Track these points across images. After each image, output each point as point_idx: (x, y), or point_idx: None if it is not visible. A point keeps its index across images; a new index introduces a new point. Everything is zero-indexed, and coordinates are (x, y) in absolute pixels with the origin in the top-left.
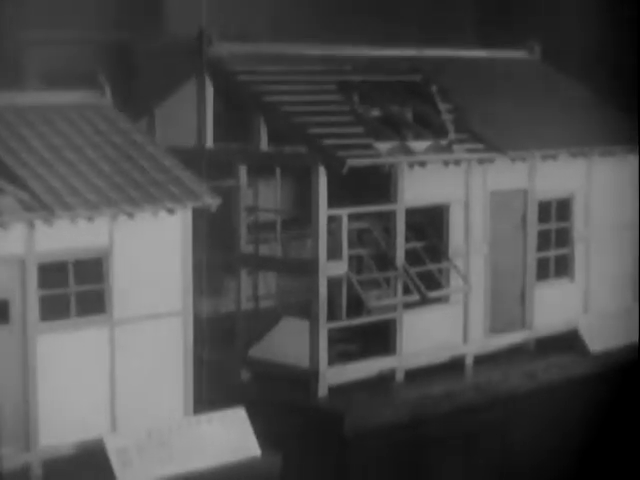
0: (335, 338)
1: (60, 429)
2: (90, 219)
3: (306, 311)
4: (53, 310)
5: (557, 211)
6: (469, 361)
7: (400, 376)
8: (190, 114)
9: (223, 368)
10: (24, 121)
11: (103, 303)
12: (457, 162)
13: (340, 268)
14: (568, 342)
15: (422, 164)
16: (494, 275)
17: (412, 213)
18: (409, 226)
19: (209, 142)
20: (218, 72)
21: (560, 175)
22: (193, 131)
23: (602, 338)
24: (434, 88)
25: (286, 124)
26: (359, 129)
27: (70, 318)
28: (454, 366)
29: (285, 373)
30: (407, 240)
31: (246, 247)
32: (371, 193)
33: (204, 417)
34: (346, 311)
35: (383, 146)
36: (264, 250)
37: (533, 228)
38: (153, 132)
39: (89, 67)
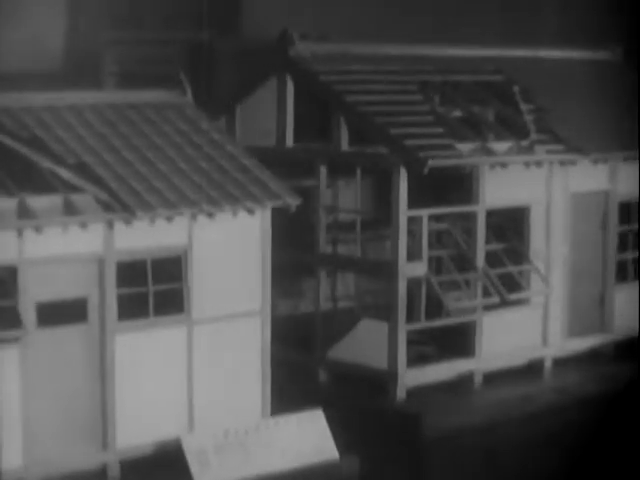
0: (413, 340)
1: (137, 429)
2: (169, 219)
3: (385, 312)
4: (131, 309)
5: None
6: (548, 364)
7: (479, 379)
8: (270, 114)
9: (301, 369)
10: (104, 120)
11: (181, 303)
12: (538, 163)
13: (420, 269)
14: None
15: (503, 165)
16: (573, 277)
17: (492, 214)
18: (489, 227)
19: (289, 142)
20: (299, 72)
21: None
22: (273, 131)
23: None
24: (516, 88)
25: (367, 124)
26: (440, 130)
27: (148, 317)
28: (533, 369)
29: (363, 375)
30: (487, 242)
31: (325, 247)
32: (451, 194)
33: (282, 418)
34: (425, 312)
35: (464, 147)
36: (343, 251)
37: (613, 230)
38: (233, 132)
39: (169, 67)
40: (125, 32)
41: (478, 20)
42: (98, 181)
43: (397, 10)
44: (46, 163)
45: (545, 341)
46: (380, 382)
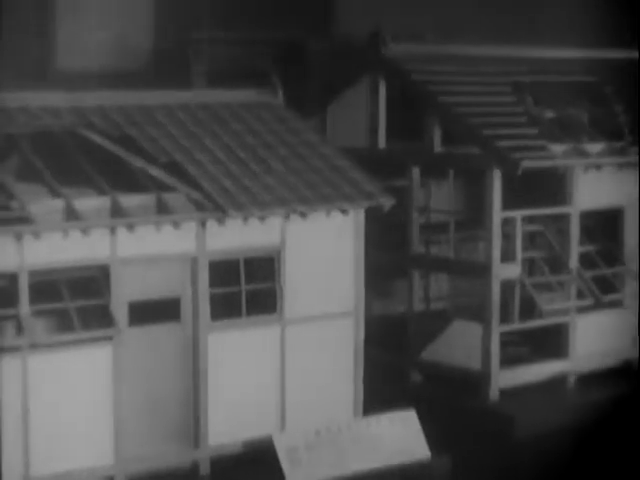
0: (506, 341)
1: (229, 427)
2: (262, 219)
3: (478, 314)
4: (223, 309)
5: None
6: None
7: (572, 380)
8: (362, 114)
9: (393, 370)
10: (196, 119)
11: (274, 302)
12: (632, 165)
13: (513, 271)
14: None
15: (597, 167)
16: None
17: (584, 216)
18: (581, 229)
19: (382, 142)
20: (391, 72)
21: None
22: (365, 131)
23: None
24: (609, 89)
25: (460, 125)
26: (533, 131)
27: (241, 317)
28: (625, 371)
29: (456, 376)
30: (581, 243)
31: (418, 248)
32: (543, 195)
33: (374, 418)
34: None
35: (557, 148)
36: (435, 251)
37: None
38: (324, 132)
39: (261, 66)
40: (215, 32)
41: (569, 20)
42: (190, 180)
43: (488, 10)
44: (138, 162)
45: (638, 343)
46: (473, 383)
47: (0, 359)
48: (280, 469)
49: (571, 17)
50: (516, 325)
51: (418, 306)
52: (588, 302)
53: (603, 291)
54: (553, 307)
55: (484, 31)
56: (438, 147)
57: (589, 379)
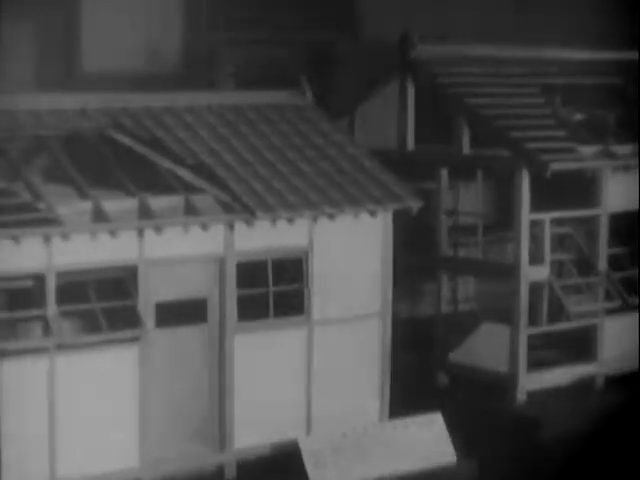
0: (534, 343)
1: (255, 430)
2: (290, 220)
3: (506, 316)
4: (251, 310)
5: None
6: None
7: (600, 382)
8: (390, 116)
9: (421, 371)
10: (224, 121)
11: (302, 304)
12: None
13: (542, 273)
14: None
15: (626, 168)
16: None
17: (613, 218)
18: (610, 231)
19: (410, 144)
20: (420, 74)
21: None
22: (393, 133)
23: None
24: (635, 90)
25: (489, 127)
26: (562, 133)
27: (268, 319)
28: None
29: (483, 378)
30: (609, 245)
31: (446, 250)
32: (571, 197)
33: (400, 421)
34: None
35: (586, 150)
36: (464, 253)
37: None
38: (353, 133)
39: (290, 68)
40: (243, 33)
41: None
42: (218, 182)
43: (514, 11)
44: (166, 164)
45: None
46: (500, 385)
47: (28, 360)
48: (305, 472)
49: (595, 19)
50: (544, 327)
51: (446, 308)
52: (616, 304)
53: (631, 293)
54: (581, 309)
55: (509, 32)
56: (467, 149)
57: (617, 382)
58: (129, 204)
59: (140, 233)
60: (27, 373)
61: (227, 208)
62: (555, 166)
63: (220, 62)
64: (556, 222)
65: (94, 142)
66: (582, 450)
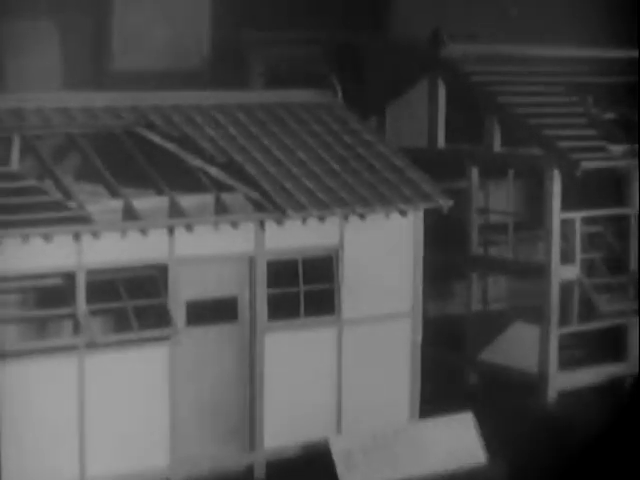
0: (564, 342)
1: (284, 430)
2: (321, 219)
3: (537, 315)
4: (281, 309)
5: None
6: None
7: (629, 382)
8: (421, 114)
9: (451, 371)
10: (254, 119)
11: (332, 303)
12: None
13: (572, 272)
14: None
15: None
16: None
17: None
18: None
19: (441, 143)
20: (451, 73)
21: None
22: (423, 131)
23: None
24: None
25: (520, 125)
26: (592, 131)
27: (299, 318)
28: None
29: (513, 377)
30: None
31: (477, 249)
32: (601, 196)
33: (430, 421)
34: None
35: (616, 149)
36: (494, 252)
37: None
38: (383, 132)
39: (320, 67)
40: (273, 32)
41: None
42: (249, 180)
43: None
44: (197, 162)
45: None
46: (530, 385)
47: (58, 358)
48: (335, 472)
49: (623, 17)
50: (576, 327)
51: (476, 307)
52: None
53: None
54: (612, 308)
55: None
56: (497, 147)
57: None
58: (159, 202)
59: (170, 231)
60: (57, 371)
61: (258, 206)
62: (586, 165)
63: (250, 61)
64: (586, 221)
65: (124, 140)
66: (613, 450)
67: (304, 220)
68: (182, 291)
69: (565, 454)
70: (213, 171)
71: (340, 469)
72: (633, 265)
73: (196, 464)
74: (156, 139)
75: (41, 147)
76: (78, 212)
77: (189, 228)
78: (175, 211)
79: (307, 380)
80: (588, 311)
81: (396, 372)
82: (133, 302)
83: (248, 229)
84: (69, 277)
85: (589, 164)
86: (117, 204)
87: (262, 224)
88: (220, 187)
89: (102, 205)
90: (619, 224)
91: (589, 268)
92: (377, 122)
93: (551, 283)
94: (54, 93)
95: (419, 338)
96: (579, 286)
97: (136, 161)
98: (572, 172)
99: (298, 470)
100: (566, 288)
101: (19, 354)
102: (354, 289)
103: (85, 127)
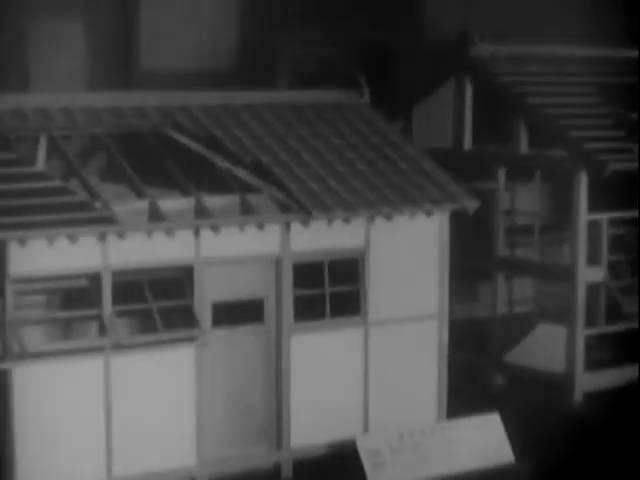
0: (591, 344)
1: (311, 429)
2: (347, 220)
3: (563, 317)
4: (307, 311)
5: None
6: None
7: None
8: (448, 115)
9: (477, 372)
10: (281, 120)
11: (358, 305)
12: None
13: (599, 274)
14: None
15: None
16: None
17: None
18: None
19: (467, 144)
20: (478, 73)
21: None
22: (451, 132)
23: None
24: None
25: (548, 126)
26: (620, 132)
27: (324, 319)
28: None
29: (539, 378)
30: None
31: (503, 251)
32: (627, 198)
33: (457, 421)
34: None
35: None
36: (521, 254)
37: None
38: (410, 133)
39: (347, 67)
40: (300, 31)
41: None
42: (275, 181)
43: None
44: (223, 162)
45: None
46: (556, 386)
47: (83, 360)
48: (362, 472)
49: None
50: (602, 328)
51: (502, 309)
52: None
53: None
54: (637, 310)
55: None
56: (525, 149)
57: None
58: (185, 203)
59: (196, 232)
60: (83, 373)
61: (284, 208)
62: (613, 166)
63: (278, 61)
64: (611, 223)
65: (150, 140)
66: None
67: (330, 221)
68: (208, 292)
69: (592, 454)
70: (239, 172)
71: (367, 468)
72: None
73: (223, 464)
74: (183, 139)
75: (67, 147)
76: (104, 212)
77: (215, 229)
78: (201, 212)
79: (334, 380)
80: (614, 313)
81: (423, 373)
82: (159, 303)
83: (274, 230)
84: (95, 278)
85: (617, 165)
86: (143, 205)
87: (288, 225)
88: (246, 188)
89: (128, 206)
90: None
91: (615, 270)
92: (404, 123)
93: (578, 285)
94: (81, 93)
95: (445, 339)
96: (605, 288)
97: (162, 162)
98: (599, 174)
99: (325, 469)
100: (592, 290)
101: (45, 355)
102: (380, 290)
103: (112, 127)
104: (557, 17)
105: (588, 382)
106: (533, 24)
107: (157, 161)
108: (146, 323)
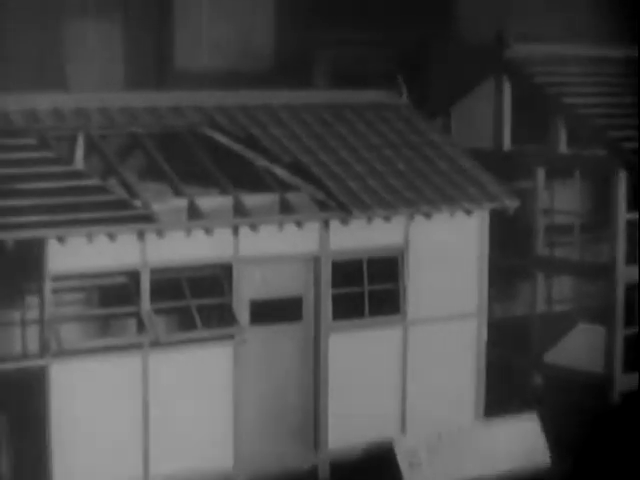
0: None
1: (349, 429)
2: (386, 219)
3: (602, 316)
4: (346, 309)
5: None
6: None
7: None
8: (486, 115)
9: (516, 372)
10: (320, 119)
11: (397, 303)
12: None
13: (636, 273)
14: None
15: None
16: None
17: None
18: None
19: (506, 144)
20: (516, 73)
21: None
22: (489, 132)
23: None
24: None
25: (586, 126)
26: None
27: (363, 317)
28: None
29: (578, 378)
30: None
31: (542, 250)
32: None
33: (495, 421)
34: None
35: None
36: (560, 253)
37: None
38: (448, 132)
39: (385, 67)
40: (339, 32)
41: None
42: (314, 180)
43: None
44: (261, 162)
45: None
46: (595, 386)
47: (122, 357)
48: (399, 472)
49: None
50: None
51: (541, 308)
52: None
53: None
54: None
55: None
56: (563, 148)
57: None
58: (224, 202)
59: (235, 231)
60: (121, 370)
61: (322, 206)
62: None
63: (315, 61)
64: None
65: (188, 139)
66: None
67: (369, 220)
68: (246, 290)
69: (631, 455)
70: (278, 171)
71: (405, 469)
72: None
73: (260, 464)
74: (221, 138)
75: (106, 146)
76: (142, 211)
77: (254, 227)
78: (239, 210)
79: (372, 379)
80: None
81: (461, 372)
82: (197, 301)
83: (313, 229)
84: (133, 276)
85: None
86: (182, 203)
87: (327, 224)
88: (285, 187)
89: (167, 204)
90: None
91: None
92: (443, 122)
93: (617, 284)
94: (119, 93)
95: (484, 338)
96: None
97: (200, 161)
98: (638, 173)
99: (362, 469)
100: (630, 289)
101: (83, 353)
102: (419, 289)
103: (150, 127)
104: (590, 18)
105: (626, 382)
106: (567, 25)
107: (195, 160)
108: (184, 321)
